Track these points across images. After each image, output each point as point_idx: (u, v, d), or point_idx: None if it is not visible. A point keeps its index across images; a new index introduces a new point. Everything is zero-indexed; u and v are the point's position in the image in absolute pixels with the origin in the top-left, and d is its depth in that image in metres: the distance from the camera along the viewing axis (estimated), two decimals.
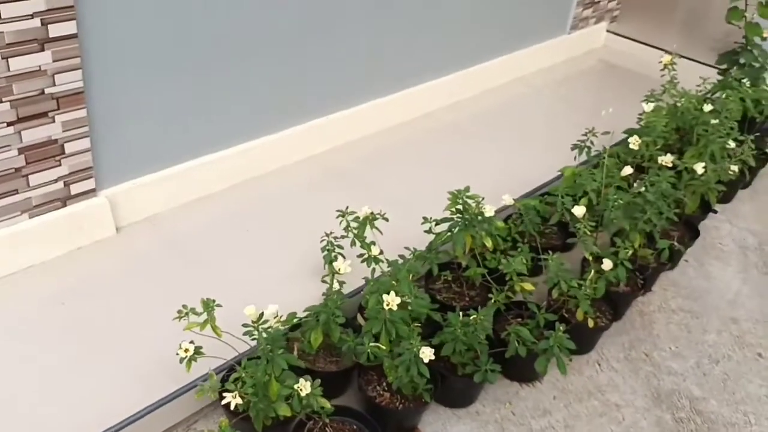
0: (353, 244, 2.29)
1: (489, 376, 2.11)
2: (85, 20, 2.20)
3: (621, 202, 2.30)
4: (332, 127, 3.27)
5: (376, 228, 2.35)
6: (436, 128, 3.63)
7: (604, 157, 2.44)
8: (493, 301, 2.27)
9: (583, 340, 2.47)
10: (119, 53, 2.35)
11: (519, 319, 2.40)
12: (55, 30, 2.12)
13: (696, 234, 3.00)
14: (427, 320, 2.25)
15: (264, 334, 1.77)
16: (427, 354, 1.80)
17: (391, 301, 1.86)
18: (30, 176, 2.29)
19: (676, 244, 2.54)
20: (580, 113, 3.89)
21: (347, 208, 2.27)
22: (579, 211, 2.18)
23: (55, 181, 2.36)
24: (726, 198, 3.50)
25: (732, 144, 2.96)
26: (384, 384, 2.09)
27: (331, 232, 2.32)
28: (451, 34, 3.69)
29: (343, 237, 2.31)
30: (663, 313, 2.79)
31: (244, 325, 1.78)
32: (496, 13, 3.91)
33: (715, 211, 3.42)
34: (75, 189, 2.42)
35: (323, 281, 2.06)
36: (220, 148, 2.86)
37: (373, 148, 3.37)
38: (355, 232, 2.25)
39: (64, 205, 2.42)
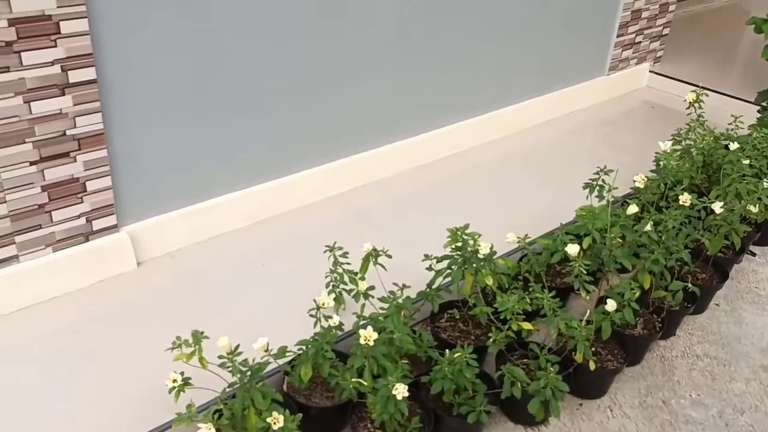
0: (342, 280, 2.32)
1: (482, 417, 2.07)
2: (104, 66, 2.35)
3: (620, 240, 2.24)
4: (358, 167, 3.32)
5: (380, 264, 2.37)
6: (466, 168, 3.63)
7: (611, 196, 2.38)
8: (492, 340, 2.23)
9: (591, 384, 2.39)
10: (139, 96, 2.49)
11: (525, 360, 2.35)
12: (74, 76, 2.27)
13: (725, 277, 2.87)
14: (429, 359, 2.25)
15: (241, 367, 1.80)
16: (400, 391, 1.79)
17: (368, 336, 1.86)
18: (53, 212, 2.42)
19: (690, 286, 2.44)
20: (619, 153, 3.82)
21: (335, 243, 2.30)
22: (573, 249, 2.14)
23: (78, 217, 2.49)
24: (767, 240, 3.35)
25: (767, 184, 2.84)
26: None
27: (337, 269, 2.35)
28: (482, 75, 3.72)
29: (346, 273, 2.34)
30: (686, 359, 2.67)
31: (220, 357, 1.82)
32: (528, 55, 3.92)
33: (753, 254, 3.27)
34: (97, 225, 2.55)
35: (310, 315, 2.09)
36: (242, 186, 2.95)
37: (399, 187, 3.40)
38: (344, 267, 2.28)
39: (87, 240, 2.55)
